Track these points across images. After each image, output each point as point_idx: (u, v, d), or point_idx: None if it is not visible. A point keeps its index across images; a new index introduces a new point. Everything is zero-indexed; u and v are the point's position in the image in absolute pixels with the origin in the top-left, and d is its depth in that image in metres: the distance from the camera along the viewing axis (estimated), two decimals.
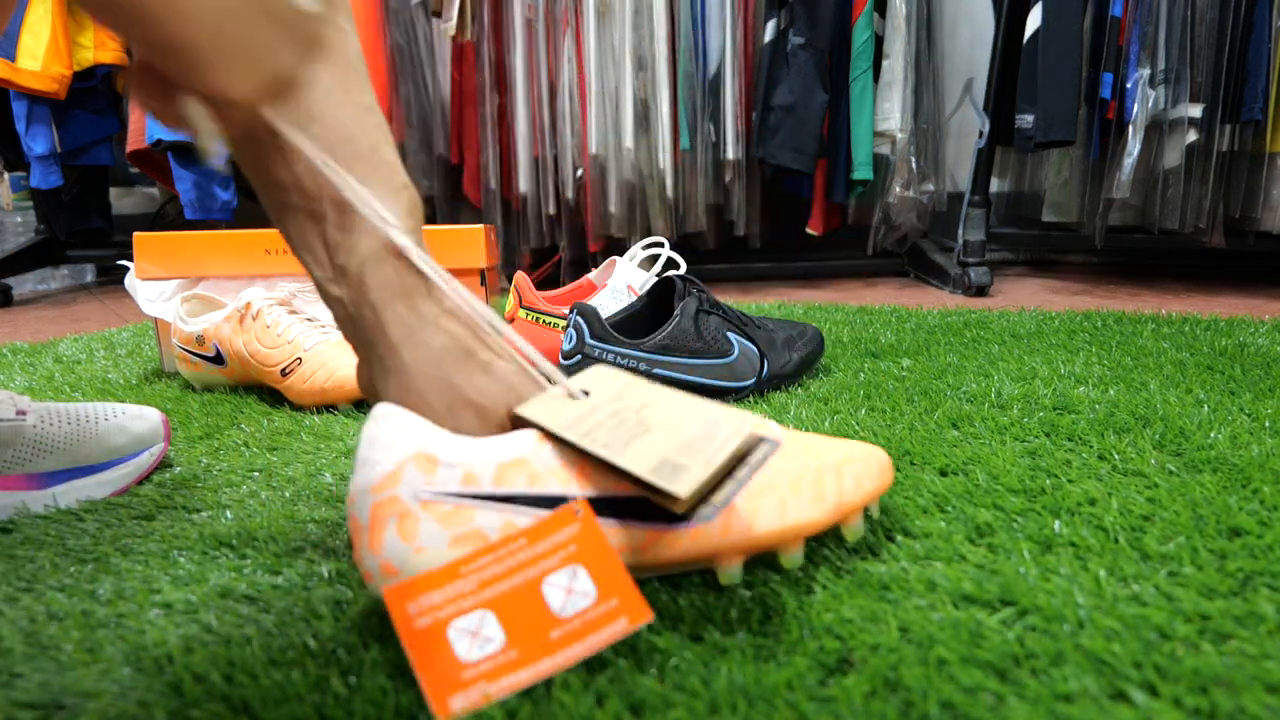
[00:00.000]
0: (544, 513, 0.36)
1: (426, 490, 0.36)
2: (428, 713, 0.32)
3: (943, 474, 0.54)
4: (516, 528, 0.36)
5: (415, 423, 0.37)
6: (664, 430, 0.37)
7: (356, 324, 0.40)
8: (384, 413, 0.37)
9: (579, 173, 1.66)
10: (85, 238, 2.02)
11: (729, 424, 0.37)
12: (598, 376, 0.42)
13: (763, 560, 0.42)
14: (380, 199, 0.39)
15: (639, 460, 0.35)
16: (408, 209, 0.40)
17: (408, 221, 0.40)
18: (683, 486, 0.33)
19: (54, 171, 1.75)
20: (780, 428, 0.44)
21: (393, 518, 0.35)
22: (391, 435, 0.36)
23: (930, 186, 1.64)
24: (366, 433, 0.38)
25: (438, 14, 1.58)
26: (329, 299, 0.40)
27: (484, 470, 0.36)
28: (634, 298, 0.89)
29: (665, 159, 1.60)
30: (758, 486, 0.40)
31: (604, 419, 0.38)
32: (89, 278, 2.22)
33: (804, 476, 0.41)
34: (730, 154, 1.63)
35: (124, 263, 0.97)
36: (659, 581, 0.40)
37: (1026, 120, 1.38)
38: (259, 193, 0.40)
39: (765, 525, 0.39)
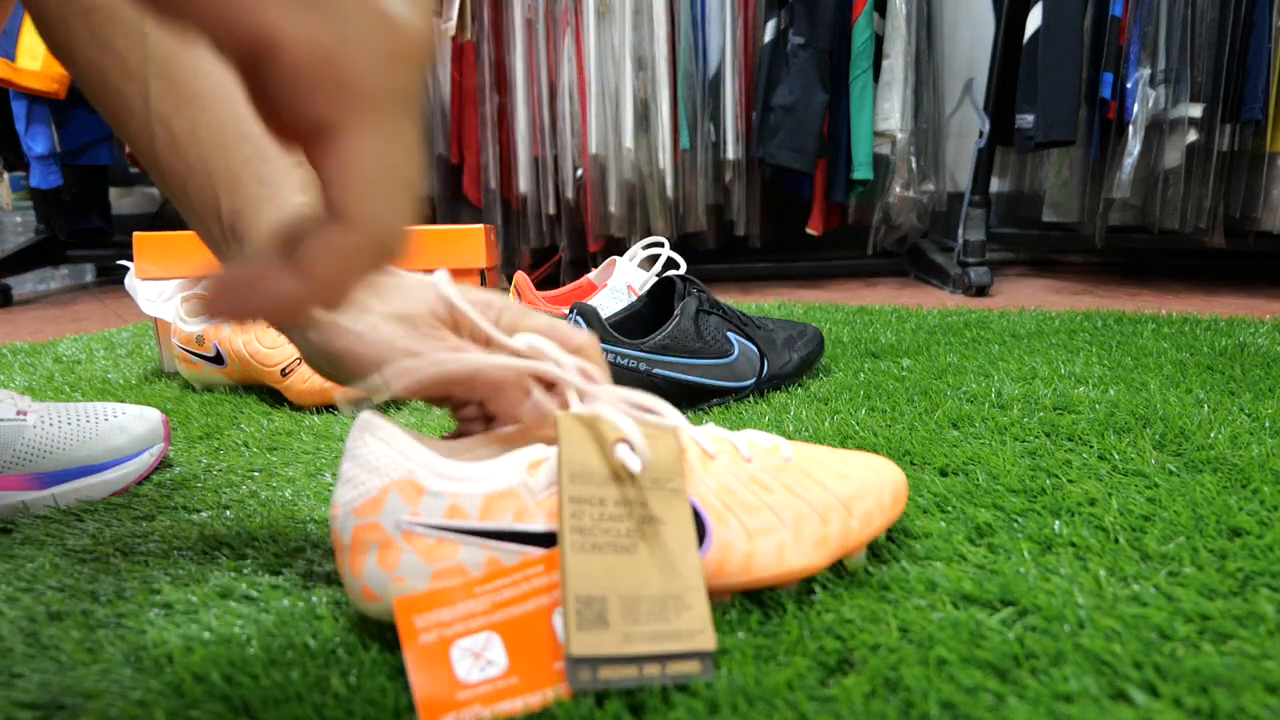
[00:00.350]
0: (529, 549, 0.35)
1: (409, 521, 0.35)
2: None
3: (943, 474, 0.54)
4: (501, 565, 0.35)
5: (403, 441, 0.36)
6: (641, 563, 0.34)
7: None
8: (369, 425, 0.36)
9: (579, 173, 1.66)
10: (85, 238, 2.02)
11: (695, 615, 0.34)
12: (667, 442, 0.37)
13: None
14: (277, 174, 0.39)
15: (583, 576, 0.33)
16: (302, 185, 0.40)
17: (307, 195, 0.40)
18: (577, 645, 0.31)
19: (54, 171, 1.75)
20: (790, 446, 0.42)
21: (375, 545, 0.35)
22: (377, 455, 0.35)
23: (930, 186, 1.64)
24: (351, 446, 0.36)
25: (438, 14, 1.58)
26: None
27: (471, 503, 0.35)
28: (634, 298, 0.89)
29: (665, 159, 1.60)
30: (758, 525, 0.38)
31: (610, 498, 0.35)
32: (89, 278, 2.22)
33: (808, 516, 0.39)
34: (730, 154, 1.63)
35: (124, 263, 0.97)
36: None
37: (1026, 120, 1.38)
38: (161, 189, 0.41)
39: (761, 570, 0.37)
